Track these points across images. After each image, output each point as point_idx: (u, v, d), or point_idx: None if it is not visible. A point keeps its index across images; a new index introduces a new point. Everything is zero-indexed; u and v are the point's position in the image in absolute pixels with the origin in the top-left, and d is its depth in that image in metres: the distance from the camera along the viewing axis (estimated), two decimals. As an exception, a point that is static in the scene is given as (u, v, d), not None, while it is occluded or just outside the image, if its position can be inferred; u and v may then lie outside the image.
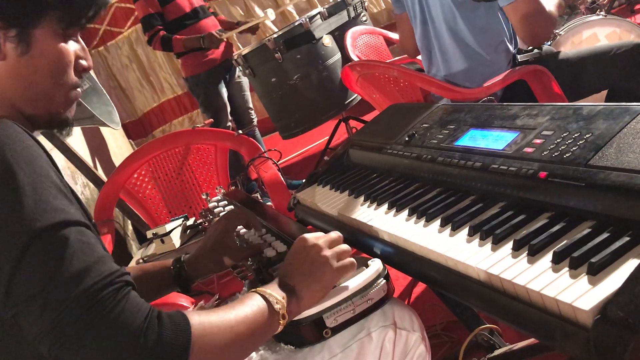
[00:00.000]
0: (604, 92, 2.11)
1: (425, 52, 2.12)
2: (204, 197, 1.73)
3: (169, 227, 1.76)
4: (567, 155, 0.92)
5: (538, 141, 1.01)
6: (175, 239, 1.73)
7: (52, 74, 0.86)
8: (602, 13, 2.89)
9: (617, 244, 0.74)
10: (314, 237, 0.99)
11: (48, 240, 0.69)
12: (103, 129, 3.74)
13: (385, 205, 1.19)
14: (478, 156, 1.10)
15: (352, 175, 1.44)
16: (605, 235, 0.77)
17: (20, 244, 0.68)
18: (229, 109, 3.55)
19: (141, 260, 1.72)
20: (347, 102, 3.38)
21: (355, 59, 2.93)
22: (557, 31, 2.82)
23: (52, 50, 0.85)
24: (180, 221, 1.80)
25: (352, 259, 0.97)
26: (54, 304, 0.67)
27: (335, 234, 1.01)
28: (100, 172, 3.00)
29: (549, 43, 2.55)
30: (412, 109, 1.56)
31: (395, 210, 1.15)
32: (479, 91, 1.80)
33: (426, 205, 1.10)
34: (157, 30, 3.30)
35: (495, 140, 1.12)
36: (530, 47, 2.13)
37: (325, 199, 1.39)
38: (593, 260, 0.72)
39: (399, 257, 1.04)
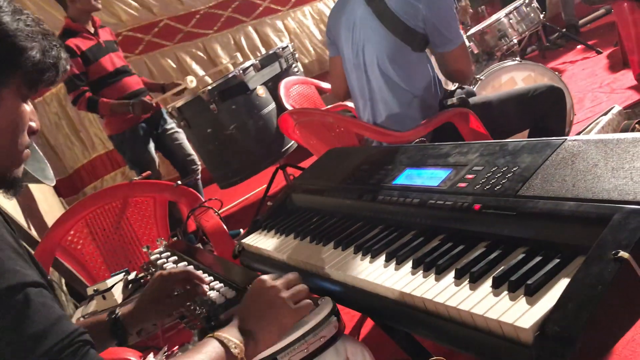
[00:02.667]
0: (526, 132, 2.25)
1: (357, 97, 2.21)
2: (144, 250, 1.70)
3: (109, 282, 1.71)
4: (497, 187, 0.99)
5: (470, 176, 1.08)
6: (117, 294, 1.69)
7: (11, 133, 0.87)
8: (517, 59, 3.10)
9: (549, 265, 0.80)
10: (271, 277, 1.01)
11: (5, 303, 0.69)
12: (33, 188, 3.62)
13: (331, 245, 1.22)
14: (415, 193, 1.16)
15: (296, 218, 1.47)
16: (537, 259, 0.83)
17: None
18: (157, 162, 3.53)
19: (81, 319, 1.67)
20: (283, 149, 3.43)
21: (290, 108, 3.01)
22: (478, 76, 3.01)
23: (14, 110, 0.87)
24: (121, 276, 1.76)
25: (309, 300, 1.00)
26: None
27: (292, 275, 1.04)
28: (33, 232, 2.89)
29: (473, 87, 2.70)
30: (350, 153, 1.62)
31: (341, 249, 1.18)
32: (411, 134, 1.89)
33: (370, 243, 1.14)
34: (82, 91, 3.25)
35: (430, 177, 1.18)
36: (455, 90, 2.26)
37: (272, 243, 1.41)
38: (529, 282, 0.78)
39: (348, 294, 1.07)
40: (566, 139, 1.00)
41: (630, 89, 3.55)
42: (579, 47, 5.04)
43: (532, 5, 3.51)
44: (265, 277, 1.02)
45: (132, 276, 1.76)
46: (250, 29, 4.86)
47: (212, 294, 1.18)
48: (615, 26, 5.06)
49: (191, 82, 3.41)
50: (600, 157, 0.89)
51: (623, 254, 0.70)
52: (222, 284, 1.23)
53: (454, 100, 2.12)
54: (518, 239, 0.90)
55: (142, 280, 1.68)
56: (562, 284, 0.76)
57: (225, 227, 1.88)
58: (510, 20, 3.43)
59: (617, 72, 3.97)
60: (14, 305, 0.69)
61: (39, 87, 0.89)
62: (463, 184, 1.07)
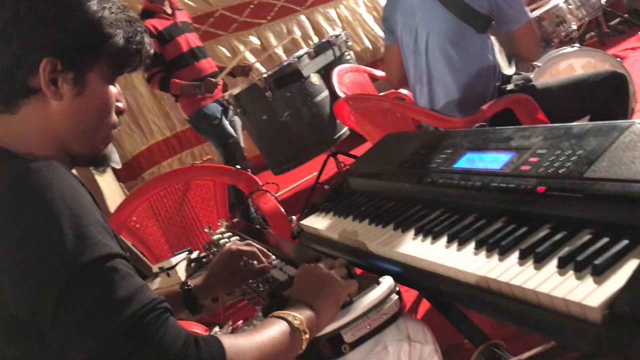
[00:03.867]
0: (586, 119, 2.21)
1: (415, 83, 2.21)
2: (206, 230, 1.76)
3: (174, 260, 1.79)
4: (562, 170, 0.99)
5: (533, 159, 1.08)
6: (181, 272, 1.75)
7: (100, 114, 0.94)
8: (576, 45, 3.02)
9: (618, 246, 0.80)
10: (312, 264, 1.06)
11: (96, 271, 0.74)
12: (95, 172, 3.76)
13: (391, 227, 1.24)
14: (477, 176, 1.16)
15: (354, 201, 1.49)
16: (605, 240, 0.83)
17: (67, 275, 0.72)
18: (237, 140, 3.64)
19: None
20: (335, 137, 3.46)
21: (342, 95, 3.03)
22: (535, 63, 2.95)
23: (101, 92, 0.93)
24: (184, 255, 1.83)
25: (353, 280, 1.04)
26: (103, 328, 0.71)
27: (332, 259, 1.09)
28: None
29: (530, 74, 2.66)
30: (408, 137, 1.63)
31: (401, 230, 1.20)
32: (470, 120, 1.88)
33: (431, 225, 1.15)
34: (157, 71, 3.42)
35: (492, 161, 1.18)
36: (512, 76, 2.24)
37: (330, 225, 1.44)
38: (596, 262, 0.78)
39: (409, 274, 1.09)
40: (635, 121, 0.99)
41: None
42: (641, 33, 4.86)
43: (594, -11, 3.40)
44: (306, 264, 1.08)
45: (194, 255, 1.83)
46: (303, 17, 4.89)
47: (274, 272, 1.22)
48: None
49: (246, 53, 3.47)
50: (673, 140, 0.88)
51: (695, 237, 0.70)
52: (283, 262, 1.27)
53: (514, 85, 2.10)
54: (583, 220, 0.90)
55: (204, 260, 1.75)
56: (630, 264, 0.76)
57: (282, 209, 1.93)
58: (570, 6, 3.34)
59: (683, 58, 3.81)
60: (104, 272, 0.75)
61: (123, 70, 0.95)
62: (526, 167, 1.07)
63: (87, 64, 0.90)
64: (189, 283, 1.27)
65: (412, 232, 1.17)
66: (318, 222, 1.49)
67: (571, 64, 2.91)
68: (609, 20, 5.15)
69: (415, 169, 1.37)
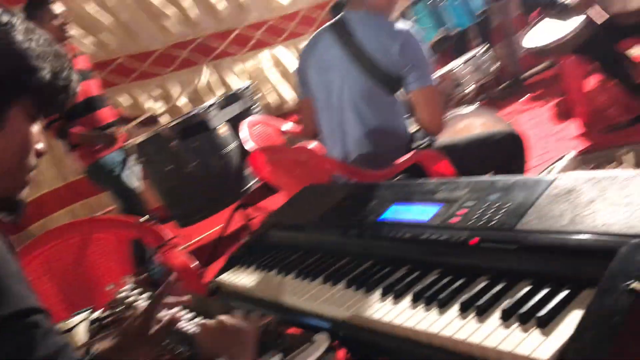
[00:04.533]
0: (489, 175, 2.32)
1: (328, 137, 2.22)
2: (110, 288, 1.62)
3: (72, 321, 1.62)
4: (493, 222, 1.00)
5: (462, 211, 1.09)
6: (81, 334, 1.59)
7: (19, 155, 0.85)
8: (474, 106, 3.21)
9: (558, 297, 0.81)
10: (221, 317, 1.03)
11: (14, 326, 0.67)
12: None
13: (320, 279, 1.20)
14: (406, 228, 1.16)
15: (277, 254, 1.43)
16: (545, 290, 0.83)
17: None
18: (140, 190, 3.45)
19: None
20: (244, 189, 3.40)
21: (252, 147, 3.00)
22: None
23: (23, 131, 0.85)
24: (84, 314, 1.67)
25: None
26: None
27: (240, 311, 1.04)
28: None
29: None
30: (329, 189, 1.61)
31: (331, 283, 1.16)
32: (384, 174, 1.91)
33: (364, 277, 1.12)
34: (54, 119, 3.20)
35: (420, 213, 1.19)
36: (416, 134, 2.32)
37: (253, 280, 1.37)
38: (541, 313, 0.78)
39: (341, 330, 1.05)
40: (556, 177, 1.03)
41: (577, 138, 3.73)
42: (525, 97, 5.27)
43: (486, 55, 3.66)
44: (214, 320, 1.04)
45: (96, 315, 1.67)
46: (208, 69, 4.86)
47: (192, 328, 1.13)
48: (558, 78, 5.37)
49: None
50: (596, 193, 0.92)
51: (635, 285, 0.72)
52: (200, 317, 1.18)
53: (423, 142, 2.17)
54: (520, 272, 0.91)
55: (108, 319, 1.60)
56: (574, 315, 0.77)
57: (193, 264, 1.82)
58: (466, 69, 3.56)
59: (563, 121, 4.16)
60: (24, 329, 0.67)
61: (48, 109, 0.87)
62: (456, 219, 1.08)
63: (9, 98, 0.81)
64: (92, 351, 1.14)
65: (342, 285, 1.14)
66: (239, 277, 1.42)
67: (470, 123, 3.07)
68: (497, 85, 5.57)
69: (340, 221, 1.35)
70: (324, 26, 2.24)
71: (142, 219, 2.14)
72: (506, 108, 5.21)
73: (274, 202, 4.12)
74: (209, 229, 4.03)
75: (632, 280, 0.72)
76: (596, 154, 2.89)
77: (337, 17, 2.17)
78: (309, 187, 1.67)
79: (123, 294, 1.53)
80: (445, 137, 2.40)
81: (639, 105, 3.59)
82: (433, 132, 2.16)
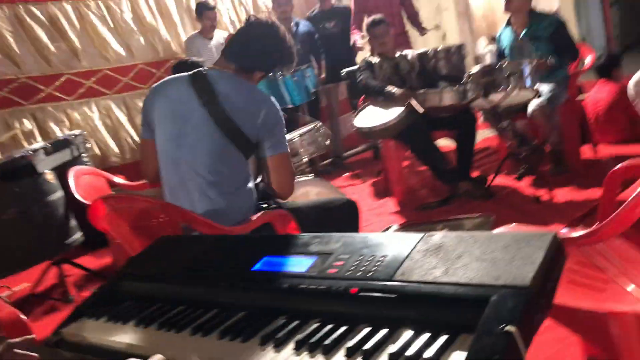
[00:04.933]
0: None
1: (172, 189, 2.16)
2: None
3: None
4: (370, 273, 1.07)
5: (338, 263, 1.14)
6: None
7: None
8: (311, 175, 3.39)
9: (439, 341, 0.88)
10: None
11: None
12: None
13: (188, 331, 1.15)
14: (283, 279, 1.18)
15: (132, 306, 1.35)
16: (427, 335, 0.91)
17: None
18: None
19: None
20: (67, 242, 3.12)
21: (79, 197, 2.80)
22: (274, 187, 3.19)
23: None
24: None
25: None
26: None
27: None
28: None
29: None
30: (189, 241, 1.57)
31: (201, 334, 1.12)
32: (238, 229, 1.91)
33: (238, 326, 1.10)
34: None
35: (295, 264, 1.21)
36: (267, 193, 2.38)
37: (106, 331, 1.26)
38: (427, 356, 0.84)
39: (218, 381, 1.01)
40: (425, 234, 1.14)
41: (395, 213, 4.09)
42: (345, 174, 5.67)
43: (321, 131, 3.91)
44: None
45: None
46: (27, 113, 4.46)
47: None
48: (373, 160, 5.89)
49: None
50: (463, 250, 1.04)
51: (509, 328, 0.82)
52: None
53: (272, 203, 2.23)
54: (401, 319, 0.98)
55: None
56: (455, 356, 0.85)
57: (21, 315, 1.61)
58: (303, 141, 3.76)
59: (381, 199, 4.54)
60: None
61: None
62: (333, 270, 1.13)
63: None
64: None
65: (215, 335, 1.10)
66: (89, 330, 1.29)
67: (307, 191, 3.22)
68: (321, 161, 5.92)
69: (207, 272, 1.32)
70: (179, 75, 2.20)
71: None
72: (331, 182, 5.54)
73: (96, 259, 3.85)
74: (17, 284, 3.59)
75: (505, 324, 0.83)
76: (415, 228, 3.20)
77: (196, 71, 2.17)
78: (165, 238, 1.61)
79: None
80: (287, 201, 2.49)
81: (446, 189, 4.08)
82: (285, 195, 2.24)
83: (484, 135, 4.86)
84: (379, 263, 1.09)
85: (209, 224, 1.89)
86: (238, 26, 5.74)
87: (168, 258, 1.48)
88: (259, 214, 2.07)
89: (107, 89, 4.73)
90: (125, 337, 1.21)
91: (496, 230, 1.10)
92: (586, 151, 4.21)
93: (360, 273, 1.08)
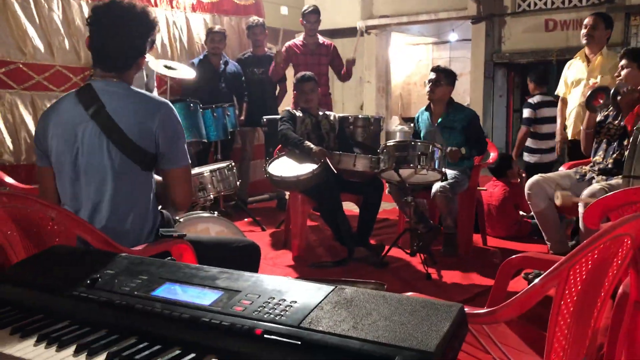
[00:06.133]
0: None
1: (70, 206, 2.04)
2: None
3: None
4: (278, 317, 1.06)
5: (246, 302, 1.12)
6: None
7: None
8: (215, 212, 3.33)
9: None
10: None
11: None
12: None
13: (72, 348, 1.07)
14: (183, 308, 1.13)
15: (9, 314, 1.24)
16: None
17: None
18: None
19: None
20: None
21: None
22: (177, 217, 3.10)
23: None
24: None
25: None
26: None
27: None
28: None
29: (174, 226, 2.76)
30: (87, 254, 1.48)
31: (87, 354, 1.05)
32: (136, 252, 1.83)
33: (129, 352, 1.04)
34: None
35: (199, 296, 1.18)
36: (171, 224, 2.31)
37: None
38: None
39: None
40: (336, 286, 1.15)
41: (289, 267, 4.08)
42: (246, 219, 5.61)
43: (232, 171, 3.89)
44: None
45: None
46: None
47: None
48: (275, 210, 5.90)
49: None
50: (373, 307, 1.05)
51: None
52: None
53: (171, 232, 2.16)
54: (302, 368, 0.97)
55: None
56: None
57: None
58: (213, 177, 3.71)
59: (279, 250, 4.53)
60: None
61: None
62: (239, 308, 1.10)
63: None
64: None
65: (102, 357, 1.03)
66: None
67: (208, 227, 3.16)
68: (224, 201, 5.83)
69: (102, 289, 1.25)
70: (69, 92, 2.11)
71: None
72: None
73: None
74: None
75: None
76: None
77: (82, 86, 2.07)
78: (59, 247, 1.51)
79: None
80: (191, 234, 2.42)
81: (343, 251, 4.15)
82: (183, 208, 2.19)
83: (387, 206, 5.03)
84: (288, 308, 1.08)
85: (106, 240, 1.79)
86: (169, 52, 5.66)
87: (60, 268, 1.39)
88: (158, 242, 2.00)
89: (16, 83, 4.43)
90: (-3, 344, 1.10)
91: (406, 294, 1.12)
92: (477, 239, 4.47)
93: (267, 315, 1.07)
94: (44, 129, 2.07)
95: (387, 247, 4.08)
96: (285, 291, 1.14)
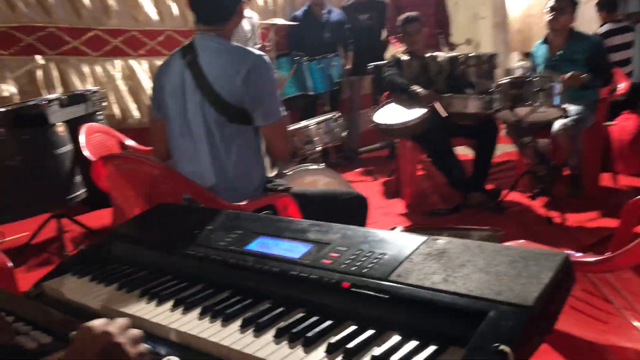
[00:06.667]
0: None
1: (182, 162, 2.12)
2: None
3: None
4: (365, 270, 1.02)
5: (334, 254, 1.09)
6: None
7: None
8: (322, 164, 3.33)
9: (427, 351, 0.83)
10: (101, 324, 0.85)
11: None
12: None
13: (170, 303, 1.10)
14: (274, 262, 1.13)
15: (119, 269, 1.31)
16: (414, 343, 0.85)
17: None
18: None
19: None
20: (68, 197, 3.08)
21: (88, 154, 2.77)
22: (284, 171, 3.14)
23: None
24: None
25: (148, 345, 0.87)
26: None
27: (123, 320, 0.89)
28: None
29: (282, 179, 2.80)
30: (186, 211, 1.53)
31: (183, 308, 1.08)
32: (240, 208, 1.86)
33: (221, 306, 1.06)
34: None
35: (289, 249, 1.17)
36: (274, 177, 2.33)
37: (87, 290, 1.22)
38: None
39: (192, 358, 0.97)
40: (428, 237, 1.09)
41: (402, 215, 4.02)
42: (357, 170, 5.60)
43: (338, 122, 3.84)
44: (92, 322, 0.86)
45: None
46: (52, 63, 4.44)
47: (21, 339, 0.96)
48: (387, 159, 5.81)
49: None
50: (467, 258, 0.98)
51: (504, 347, 0.76)
52: (29, 326, 1.01)
53: (279, 185, 2.17)
54: (389, 322, 0.92)
55: None
56: (443, 369, 0.80)
57: (9, 262, 1.57)
58: (319, 130, 3.70)
59: (391, 199, 4.47)
60: None
61: None
62: (328, 261, 1.08)
63: None
64: None
65: (197, 311, 1.06)
66: (70, 287, 1.26)
67: (316, 180, 3.17)
68: (335, 152, 5.85)
69: (200, 244, 1.28)
70: (177, 48, 2.15)
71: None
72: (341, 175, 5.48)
73: (95, 219, 3.83)
74: (11, 234, 3.57)
75: (500, 343, 0.77)
76: (420, 232, 3.13)
77: (187, 42, 2.11)
78: (164, 205, 1.57)
79: None
80: (295, 187, 2.44)
81: (457, 197, 4.01)
82: (283, 159, 2.18)
83: (504, 149, 4.77)
84: (376, 260, 1.03)
85: (211, 198, 1.84)
86: (271, 8, 5.67)
87: (163, 226, 1.44)
88: (262, 196, 2.02)
89: (132, 50, 4.69)
90: (103, 298, 1.16)
91: (505, 244, 1.03)
92: (605, 179, 4.11)
93: (355, 268, 1.03)
94: (159, 80, 2.15)
95: (504, 192, 3.88)
96: (374, 243, 1.10)
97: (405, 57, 4.27)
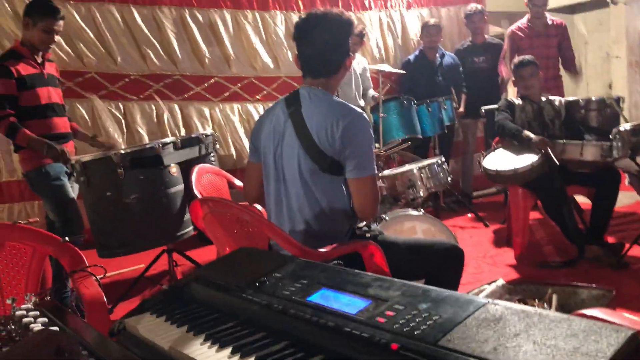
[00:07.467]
0: (421, 281, 2.32)
1: (273, 206, 2.19)
2: (9, 302, 1.50)
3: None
4: (417, 332, 0.98)
5: (390, 313, 1.07)
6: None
7: None
8: (421, 210, 3.27)
9: None
10: None
11: None
12: None
13: (229, 350, 1.14)
14: (330, 316, 1.13)
15: (192, 311, 1.37)
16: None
17: None
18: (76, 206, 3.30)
19: None
20: (179, 234, 3.30)
21: (198, 193, 2.95)
22: (383, 216, 3.13)
23: None
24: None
25: None
26: None
27: None
28: None
29: (377, 224, 2.78)
30: (263, 256, 1.57)
31: (239, 356, 1.11)
32: (322, 254, 1.89)
33: (276, 357, 1.07)
34: (7, 114, 3.09)
35: (348, 304, 1.16)
36: (365, 224, 2.32)
37: (160, 331, 1.29)
38: None
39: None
40: (489, 300, 1.03)
41: (510, 266, 3.83)
42: (469, 215, 5.42)
43: (443, 167, 3.78)
44: None
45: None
46: (175, 106, 4.84)
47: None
48: (502, 206, 5.57)
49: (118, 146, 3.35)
50: (522, 328, 0.92)
51: None
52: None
53: (368, 232, 2.17)
54: (432, 389, 0.89)
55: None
56: None
57: (104, 298, 1.72)
58: (422, 174, 3.65)
59: (500, 247, 4.28)
60: None
61: None
62: (382, 319, 1.06)
63: None
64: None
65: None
66: (146, 325, 1.34)
67: (414, 226, 3.12)
68: (445, 197, 5.72)
69: (266, 292, 1.31)
70: (282, 97, 2.25)
71: (65, 239, 2.03)
72: (448, 220, 5.32)
73: (204, 254, 4.04)
74: (129, 265, 3.87)
75: None
76: (523, 287, 2.96)
77: (292, 92, 2.19)
78: (244, 249, 1.63)
79: (19, 312, 1.42)
80: (389, 234, 2.41)
81: (573, 250, 3.74)
82: (366, 218, 2.17)
83: (629, 199, 4.41)
84: (430, 323, 1.00)
85: (292, 243, 1.88)
86: (384, 55, 5.76)
87: (239, 270, 1.49)
88: (348, 242, 2.03)
89: (249, 95, 4.99)
90: (172, 339, 1.22)
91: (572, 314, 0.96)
92: None
93: (408, 329, 1.00)
94: (259, 125, 2.27)
95: (627, 245, 3.56)
96: (433, 303, 1.07)
97: (518, 102, 4.13)
